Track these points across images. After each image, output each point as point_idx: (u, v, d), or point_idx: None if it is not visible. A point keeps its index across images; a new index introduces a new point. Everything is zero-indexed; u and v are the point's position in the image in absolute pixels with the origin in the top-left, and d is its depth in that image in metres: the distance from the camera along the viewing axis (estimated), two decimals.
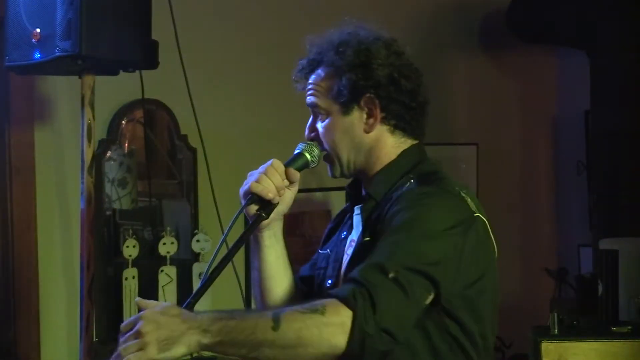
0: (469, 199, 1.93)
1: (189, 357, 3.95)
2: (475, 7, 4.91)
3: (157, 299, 3.62)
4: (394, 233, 1.84)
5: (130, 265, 3.55)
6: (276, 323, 1.71)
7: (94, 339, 3.20)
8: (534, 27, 4.83)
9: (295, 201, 2.05)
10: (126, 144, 3.73)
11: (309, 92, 2.05)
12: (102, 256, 3.46)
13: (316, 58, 2.04)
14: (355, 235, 2.05)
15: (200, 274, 3.71)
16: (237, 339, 1.72)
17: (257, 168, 2.00)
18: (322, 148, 2.05)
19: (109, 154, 3.65)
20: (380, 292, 1.74)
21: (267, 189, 1.95)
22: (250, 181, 1.97)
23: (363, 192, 2.07)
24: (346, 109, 2.00)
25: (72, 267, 3.44)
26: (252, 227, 1.98)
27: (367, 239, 1.94)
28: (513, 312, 3.97)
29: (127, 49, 3.04)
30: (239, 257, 2.01)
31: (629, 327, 3.82)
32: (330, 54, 2.01)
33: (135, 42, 3.05)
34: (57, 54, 2.90)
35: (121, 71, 3.19)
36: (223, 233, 2.52)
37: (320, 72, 2.03)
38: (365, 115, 2.00)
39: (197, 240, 3.74)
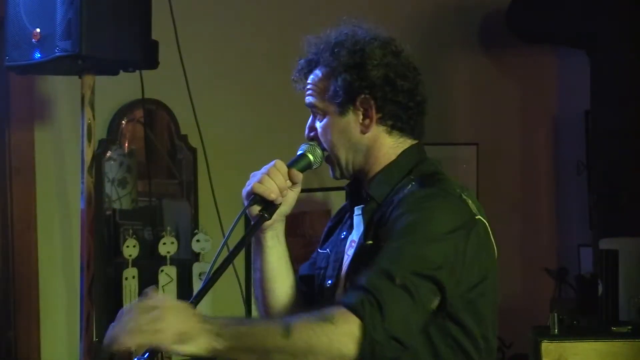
0: (470, 201, 1.93)
1: (188, 357, 3.95)
2: (475, 7, 4.91)
3: None
4: (398, 237, 1.84)
5: (130, 265, 3.55)
6: (287, 331, 1.73)
7: (94, 339, 3.20)
8: (534, 27, 4.83)
9: (296, 201, 2.05)
10: (126, 144, 3.73)
11: (307, 92, 2.05)
12: (102, 256, 3.46)
13: (313, 58, 2.04)
14: (355, 236, 2.04)
15: (200, 274, 3.71)
16: (248, 345, 1.75)
17: (257, 168, 2.00)
18: (321, 147, 2.05)
19: (109, 154, 3.65)
20: (388, 299, 1.75)
21: (270, 190, 1.95)
22: (252, 182, 1.97)
23: (364, 192, 2.06)
24: (342, 110, 1.99)
25: (72, 267, 3.43)
26: (255, 227, 1.98)
27: (370, 242, 1.94)
28: (513, 312, 3.97)
29: (127, 49, 3.05)
30: (239, 258, 2.01)
31: (629, 327, 3.82)
32: (326, 54, 2.01)
33: (135, 42, 3.05)
34: (57, 54, 2.91)
35: (121, 71, 3.19)
36: (223, 233, 2.52)
37: (317, 72, 2.03)
38: (361, 116, 1.99)
39: (197, 240, 3.74)
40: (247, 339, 1.75)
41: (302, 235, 4.00)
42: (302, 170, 2.02)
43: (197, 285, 3.70)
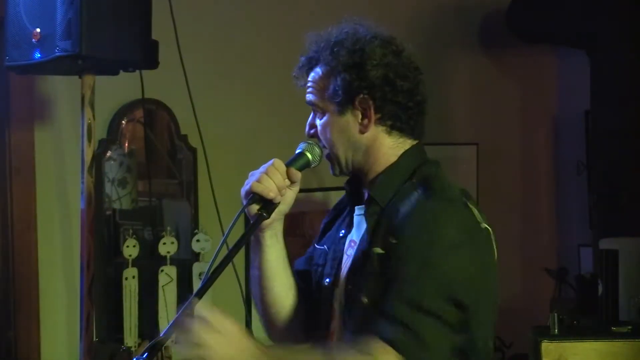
0: (475, 210, 1.94)
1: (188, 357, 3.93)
2: (475, 7, 4.91)
3: (157, 299, 3.63)
4: (414, 260, 1.86)
5: (130, 265, 3.56)
6: None
7: (94, 339, 3.20)
8: (534, 27, 4.83)
9: (295, 201, 2.05)
10: (126, 144, 3.73)
11: (308, 90, 2.05)
12: (102, 256, 3.46)
13: (314, 56, 2.04)
14: (355, 236, 2.04)
15: (200, 274, 3.72)
16: None
17: (257, 168, 1.99)
18: (321, 145, 2.05)
19: (109, 153, 3.65)
20: (422, 330, 1.81)
21: (269, 189, 1.95)
22: (251, 181, 1.97)
23: (365, 194, 2.06)
24: (341, 109, 1.99)
25: (72, 267, 3.44)
26: (254, 227, 1.98)
27: (379, 250, 1.93)
28: (513, 312, 3.97)
29: (127, 49, 3.05)
30: (239, 257, 2.02)
31: (629, 327, 3.82)
32: (326, 53, 2.00)
33: (135, 42, 3.05)
34: (57, 54, 2.91)
35: (121, 71, 3.19)
36: (223, 233, 2.52)
37: (318, 70, 2.03)
38: (360, 116, 1.99)
39: (197, 240, 3.74)
40: None
41: (301, 235, 3.99)
42: (300, 169, 2.02)
43: (197, 285, 3.70)
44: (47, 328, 3.51)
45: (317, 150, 2.04)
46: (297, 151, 2.05)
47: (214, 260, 1.88)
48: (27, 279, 3.48)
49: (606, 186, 4.57)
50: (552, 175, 5.23)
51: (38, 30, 2.95)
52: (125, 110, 3.69)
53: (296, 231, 3.91)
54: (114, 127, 3.67)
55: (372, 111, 1.98)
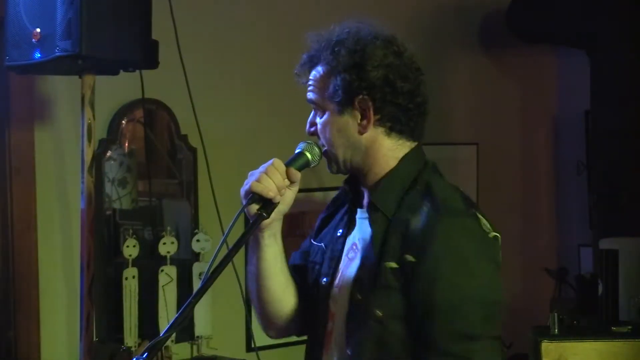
0: (483, 219, 1.95)
1: (189, 356, 3.95)
2: (475, 7, 4.91)
3: (157, 299, 3.63)
4: (449, 289, 1.88)
5: (130, 265, 3.55)
6: None
7: (94, 339, 3.20)
8: (534, 27, 4.83)
9: (295, 201, 2.05)
10: (126, 144, 3.73)
11: (309, 89, 2.05)
12: (102, 256, 3.46)
13: (316, 55, 2.03)
14: (358, 240, 2.03)
15: (200, 274, 3.72)
16: None
17: (257, 168, 1.99)
18: (320, 143, 2.04)
19: (109, 153, 3.65)
20: (479, 357, 1.87)
21: (268, 189, 1.95)
22: (251, 181, 1.96)
23: (365, 196, 2.05)
24: (341, 109, 1.98)
25: (72, 267, 3.44)
26: (253, 226, 1.97)
27: (392, 265, 1.93)
28: (513, 312, 3.97)
29: (127, 49, 3.04)
30: (239, 257, 2.01)
31: (629, 327, 3.82)
32: (327, 52, 2.00)
33: (135, 42, 3.05)
34: (57, 54, 2.90)
35: (121, 71, 3.19)
36: (223, 233, 2.52)
37: (319, 69, 2.02)
38: (359, 117, 1.98)
39: (197, 240, 3.74)
40: None
41: (301, 235, 3.98)
42: (300, 169, 2.02)
43: (197, 285, 3.70)
44: (47, 328, 3.51)
45: (316, 150, 2.04)
46: (297, 151, 2.05)
47: (214, 260, 1.88)
48: (27, 279, 3.48)
49: (606, 186, 4.57)
50: (552, 175, 5.23)
51: (38, 30, 2.95)
52: (125, 110, 3.69)
53: (296, 231, 3.91)
54: (114, 127, 3.67)
55: (372, 112, 1.97)
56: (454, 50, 4.91)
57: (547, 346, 3.69)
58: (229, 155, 3.88)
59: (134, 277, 3.56)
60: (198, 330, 3.75)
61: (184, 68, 3.40)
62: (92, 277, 3.09)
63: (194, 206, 3.86)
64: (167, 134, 3.87)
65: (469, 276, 1.89)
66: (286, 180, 1.99)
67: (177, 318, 1.82)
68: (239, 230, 1.95)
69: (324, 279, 2.08)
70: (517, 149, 5.16)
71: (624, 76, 4.51)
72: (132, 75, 3.25)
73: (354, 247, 2.04)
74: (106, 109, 3.58)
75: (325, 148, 2.03)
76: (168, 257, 3.67)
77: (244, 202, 1.97)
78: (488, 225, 1.95)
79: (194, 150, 3.83)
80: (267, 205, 1.97)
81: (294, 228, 3.92)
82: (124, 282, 3.54)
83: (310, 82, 2.04)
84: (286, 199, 2.01)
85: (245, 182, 1.98)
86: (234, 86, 4.04)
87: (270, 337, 2.23)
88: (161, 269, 3.67)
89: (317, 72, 2.02)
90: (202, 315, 3.73)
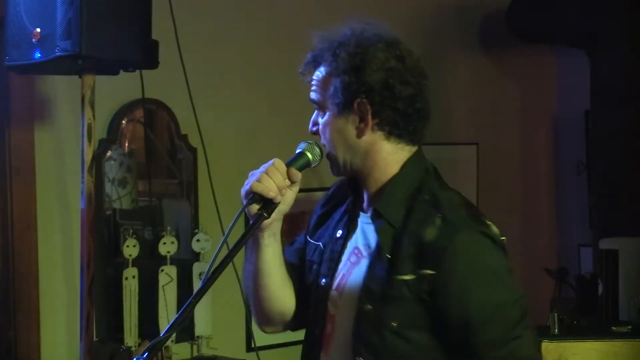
0: (492, 226, 1.96)
1: (189, 356, 3.94)
2: (475, 7, 4.91)
3: (157, 299, 3.63)
4: (479, 302, 1.91)
5: (130, 265, 3.55)
6: None
7: (94, 339, 3.20)
8: (534, 27, 4.83)
9: (295, 201, 2.05)
10: (126, 144, 3.73)
11: (312, 88, 2.04)
12: (102, 256, 3.46)
13: (319, 55, 2.03)
14: (362, 246, 2.02)
15: (200, 274, 3.71)
16: None
17: (257, 168, 1.99)
18: (321, 143, 2.04)
19: (109, 153, 3.65)
20: None
21: (269, 189, 1.95)
22: (251, 181, 1.96)
23: (365, 199, 2.04)
24: (340, 111, 1.98)
25: (72, 267, 3.44)
26: (254, 226, 1.97)
27: (407, 277, 1.93)
28: None
29: (127, 49, 3.04)
30: (240, 257, 2.01)
31: (629, 327, 3.82)
32: (328, 54, 1.99)
33: (136, 41, 3.05)
34: (57, 54, 2.90)
35: (121, 71, 3.19)
36: (223, 233, 2.52)
37: (322, 69, 2.02)
38: (357, 120, 1.97)
39: (198, 240, 3.74)
40: None
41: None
42: (300, 169, 2.02)
43: (197, 285, 3.70)
44: (47, 328, 3.51)
45: (317, 150, 2.04)
46: (298, 151, 2.04)
47: (214, 260, 1.88)
48: (27, 279, 3.48)
49: (606, 186, 4.57)
50: (552, 175, 5.23)
51: (38, 30, 2.95)
52: (125, 110, 3.69)
53: (296, 231, 3.90)
54: (114, 127, 3.67)
55: (370, 116, 1.96)
56: (454, 50, 4.91)
57: (547, 346, 3.68)
58: (229, 155, 3.88)
59: (134, 277, 3.56)
60: (198, 330, 3.75)
61: (184, 68, 3.40)
62: (92, 277, 3.09)
63: (194, 206, 3.86)
64: (167, 134, 3.87)
65: (496, 285, 1.92)
66: (287, 180, 1.99)
67: (177, 318, 1.81)
68: (239, 230, 1.95)
69: (323, 280, 2.07)
70: (517, 149, 5.15)
71: (624, 76, 4.52)
72: (132, 75, 3.25)
73: (357, 251, 2.04)
74: (106, 109, 3.58)
75: (327, 149, 2.03)
76: (168, 257, 3.67)
77: (245, 202, 1.97)
78: (497, 231, 1.96)
79: (194, 150, 3.83)
80: (268, 205, 1.96)
81: (294, 228, 3.90)
82: (124, 282, 3.54)
83: (313, 82, 2.03)
84: (287, 199, 2.01)
85: (245, 182, 1.98)
86: (234, 86, 4.04)
87: (265, 332, 2.24)
88: (161, 269, 3.67)
89: (319, 72, 2.02)
90: (202, 315, 3.73)
